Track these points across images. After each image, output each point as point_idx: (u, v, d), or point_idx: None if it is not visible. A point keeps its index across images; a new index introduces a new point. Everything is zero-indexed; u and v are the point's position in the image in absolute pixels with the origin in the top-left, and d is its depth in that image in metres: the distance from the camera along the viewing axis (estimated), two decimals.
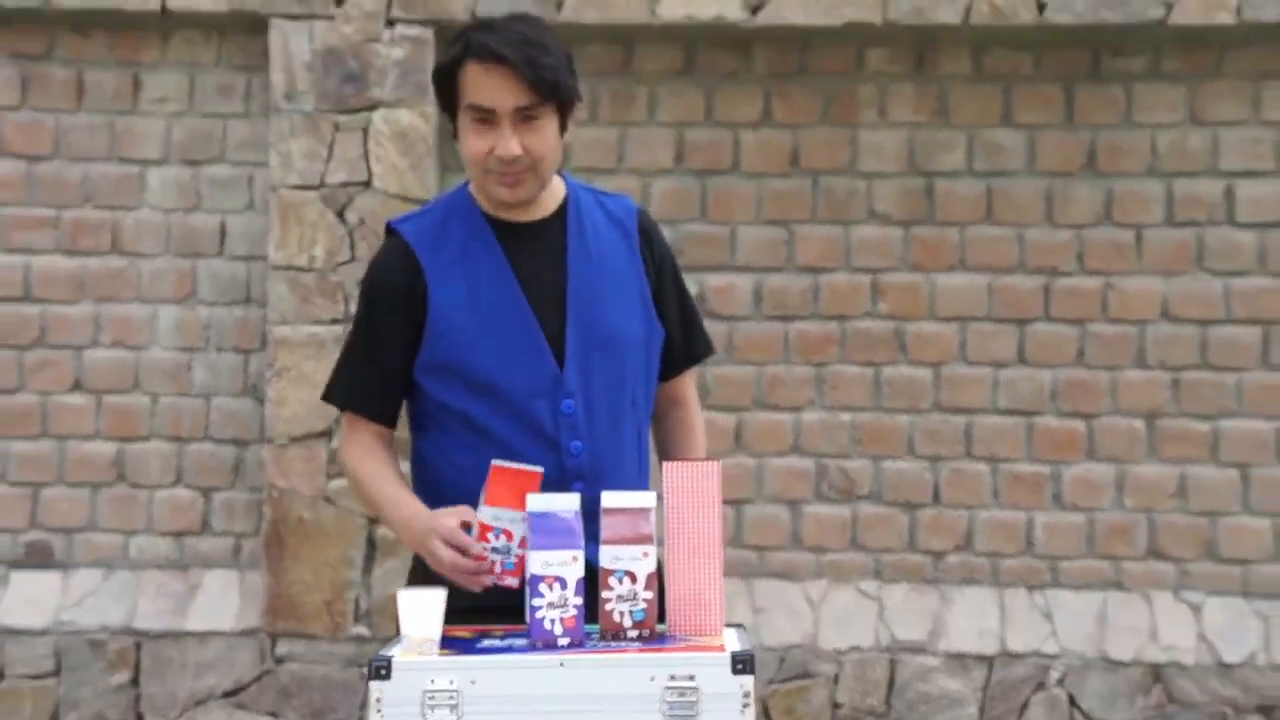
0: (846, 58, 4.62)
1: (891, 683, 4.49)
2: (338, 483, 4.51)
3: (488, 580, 2.23)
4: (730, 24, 4.48)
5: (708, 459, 2.29)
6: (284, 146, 4.57)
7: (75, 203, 4.74)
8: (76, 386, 4.73)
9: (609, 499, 2.16)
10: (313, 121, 4.57)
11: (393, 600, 2.36)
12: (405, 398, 2.46)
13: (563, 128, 2.38)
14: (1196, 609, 4.51)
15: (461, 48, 2.33)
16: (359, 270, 4.41)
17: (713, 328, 4.51)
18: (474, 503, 2.28)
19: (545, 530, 2.11)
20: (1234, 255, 4.55)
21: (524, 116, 2.30)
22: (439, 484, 2.41)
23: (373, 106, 4.55)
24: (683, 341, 2.55)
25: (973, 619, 4.52)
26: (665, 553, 2.20)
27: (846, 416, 4.63)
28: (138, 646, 4.58)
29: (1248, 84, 4.55)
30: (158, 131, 4.75)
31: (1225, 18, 4.38)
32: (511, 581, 2.23)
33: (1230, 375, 4.55)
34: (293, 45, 4.58)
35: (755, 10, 4.48)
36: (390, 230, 2.46)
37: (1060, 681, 4.45)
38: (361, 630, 4.53)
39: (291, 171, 4.56)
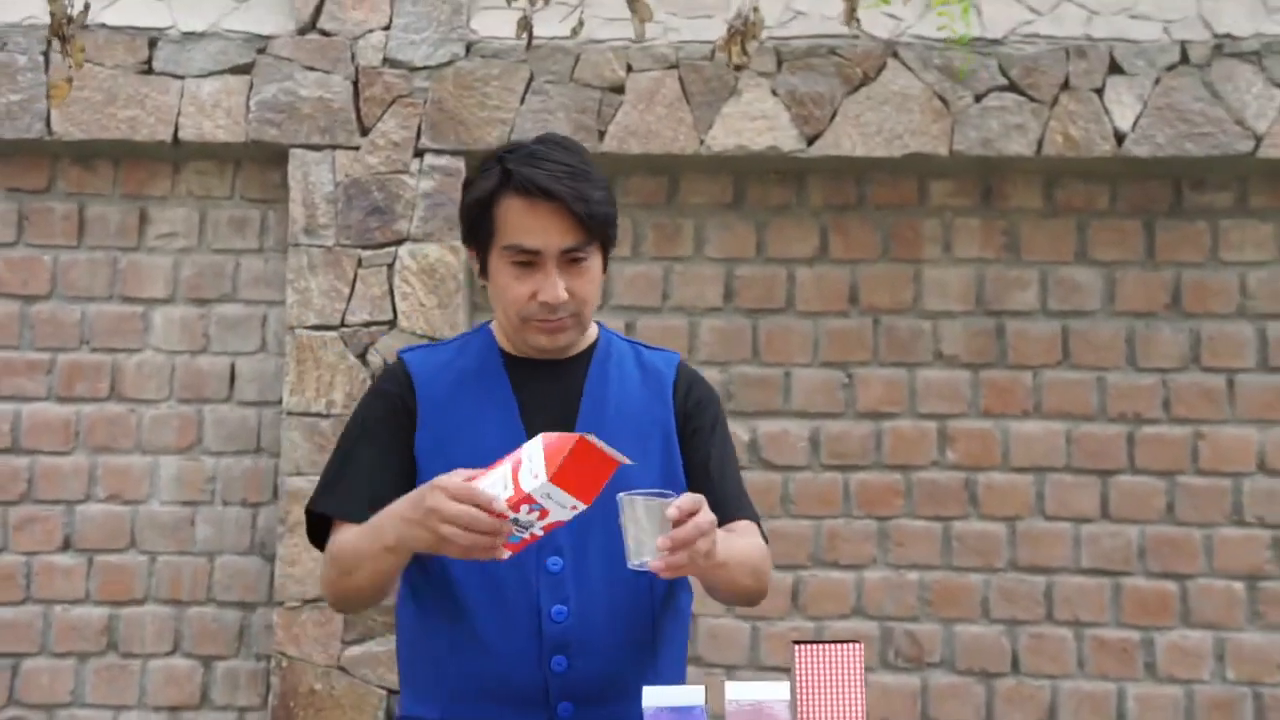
0: (908, 189, 4.49)
1: None
2: (354, 650, 4.25)
3: (510, 542, 1.88)
4: (784, 154, 4.35)
5: (850, 641, 1.96)
6: (301, 283, 4.38)
7: (72, 345, 4.54)
8: (66, 545, 4.46)
9: (734, 690, 1.84)
10: (334, 257, 4.38)
11: None
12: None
13: (605, 266, 2.21)
14: None
15: (499, 178, 2.11)
16: None
17: (766, 478, 4.41)
18: (451, 692, 2.08)
19: None
20: None
21: (570, 258, 2.10)
22: (412, 656, 2.21)
23: (399, 241, 4.38)
24: (723, 494, 2.21)
25: None
26: None
27: (914, 575, 4.38)
28: None
29: None
30: (164, 268, 4.56)
31: None
32: (503, 553, 1.89)
33: None
34: (314, 176, 4.42)
35: (811, 141, 4.35)
36: (398, 359, 2.30)
37: None
38: None
39: (309, 310, 4.36)
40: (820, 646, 1.92)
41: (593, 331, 2.27)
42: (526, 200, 2.06)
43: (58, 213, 4.55)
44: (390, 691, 4.21)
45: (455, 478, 1.88)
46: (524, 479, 1.82)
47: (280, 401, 4.39)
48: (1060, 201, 4.45)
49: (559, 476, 1.80)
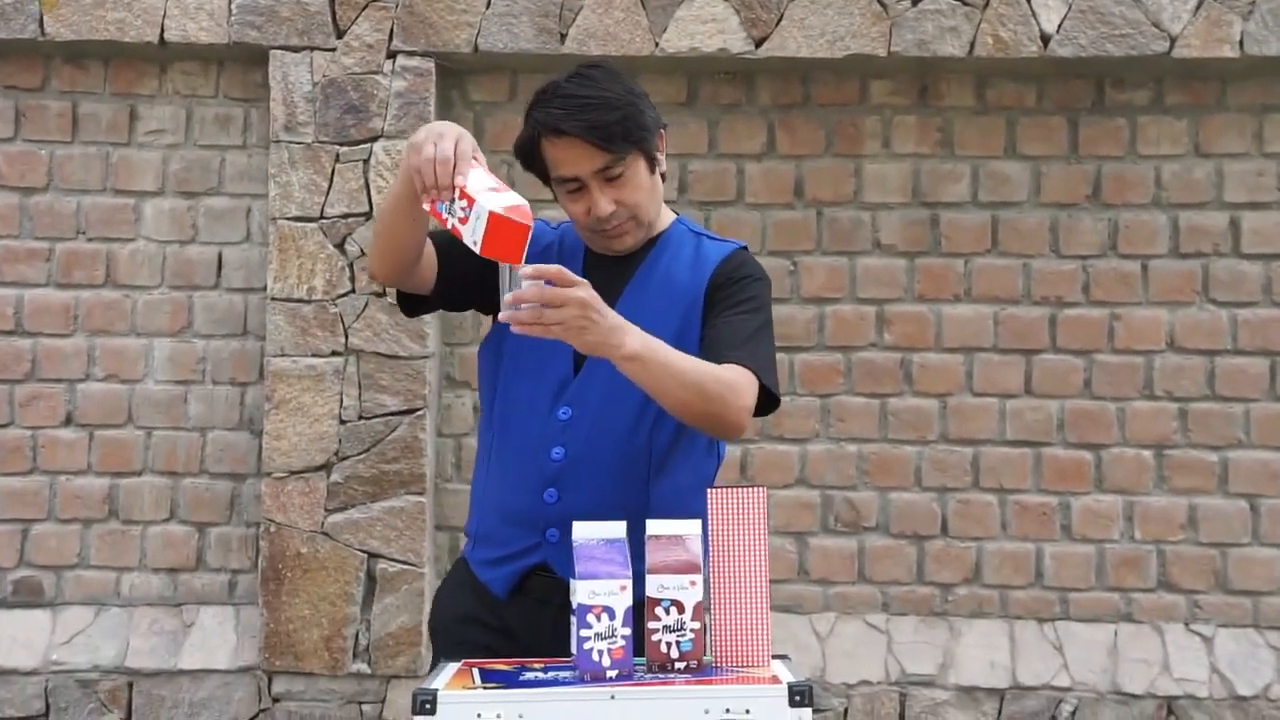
0: (850, 89, 4.63)
1: (902, 716, 4.45)
2: (336, 517, 4.47)
3: (435, 206, 2.15)
4: (734, 56, 4.48)
5: (753, 485, 2.22)
6: (283, 178, 4.54)
7: (69, 235, 4.71)
8: (68, 421, 4.68)
9: (654, 526, 2.09)
10: (313, 153, 4.54)
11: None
12: (443, 283, 2.45)
13: (652, 166, 2.39)
14: (1208, 641, 4.48)
15: (530, 127, 2.35)
16: (358, 302, 4.46)
17: None
18: (483, 511, 2.48)
19: (590, 558, 2.04)
20: (1239, 286, 4.55)
21: (607, 176, 2.33)
22: (473, 485, 2.57)
23: (374, 138, 4.53)
24: (723, 344, 2.34)
25: (983, 652, 4.48)
26: (710, 581, 2.15)
27: (853, 448, 4.61)
28: (130, 686, 4.51)
29: (1250, 117, 4.57)
30: (154, 163, 4.73)
31: (1228, 51, 4.39)
32: (456, 227, 2.13)
33: (1238, 406, 4.55)
34: (293, 77, 4.57)
35: (759, 43, 4.47)
36: None
37: (1072, 715, 4.42)
38: (361, 667, 4.45)
39: (291, 203, 4.53)
40: (729, 490, 2.15)
41: (666, 221, 2.48)
42: (552, 140, 2.31)
43: (52, 110, 4.70)
44: (369, 554, 4.44)
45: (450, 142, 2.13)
46: (475, 208, 2.08)
47: (265, 288, 4.58)
48: (991, 100, 4.60)
49: (487, 249, 2.07)
